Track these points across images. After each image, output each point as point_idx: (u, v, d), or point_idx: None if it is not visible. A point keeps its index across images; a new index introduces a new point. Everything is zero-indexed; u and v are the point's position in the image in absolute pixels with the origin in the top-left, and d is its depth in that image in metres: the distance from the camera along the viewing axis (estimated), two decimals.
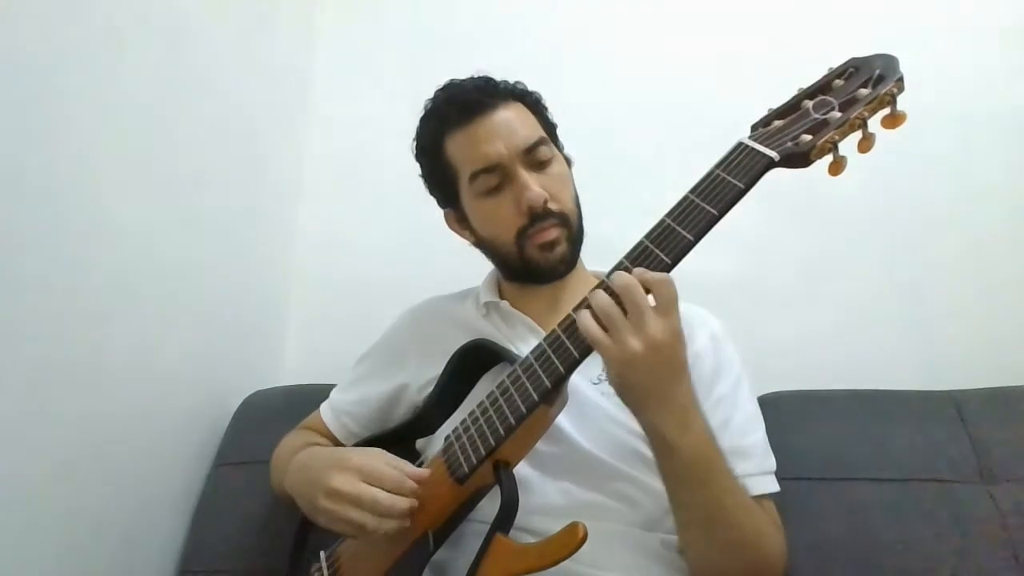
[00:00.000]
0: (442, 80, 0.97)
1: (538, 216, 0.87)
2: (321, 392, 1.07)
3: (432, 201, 1.01)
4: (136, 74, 1.01)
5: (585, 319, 0.65)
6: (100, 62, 0.94)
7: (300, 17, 1.55)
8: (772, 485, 0.84)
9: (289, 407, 1.13)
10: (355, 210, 1.49)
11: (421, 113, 0.97)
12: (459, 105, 0.91)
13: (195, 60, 1.16)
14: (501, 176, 0.88)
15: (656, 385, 0.65)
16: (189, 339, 1.15)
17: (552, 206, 0.88)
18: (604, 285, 0.67)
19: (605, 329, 0.64)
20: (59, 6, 0.88)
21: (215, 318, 1.22)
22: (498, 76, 0.95)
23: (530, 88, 0.97)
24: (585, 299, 0.68)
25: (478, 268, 1.01)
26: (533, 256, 0.89)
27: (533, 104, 0.96)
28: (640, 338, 0.62)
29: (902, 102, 0.63)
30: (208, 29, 1.20)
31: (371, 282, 1.42)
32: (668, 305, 0.64)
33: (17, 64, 0.82)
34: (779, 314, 1.32)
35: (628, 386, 0.66)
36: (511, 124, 0.89)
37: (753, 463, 0.83)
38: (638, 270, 0.66)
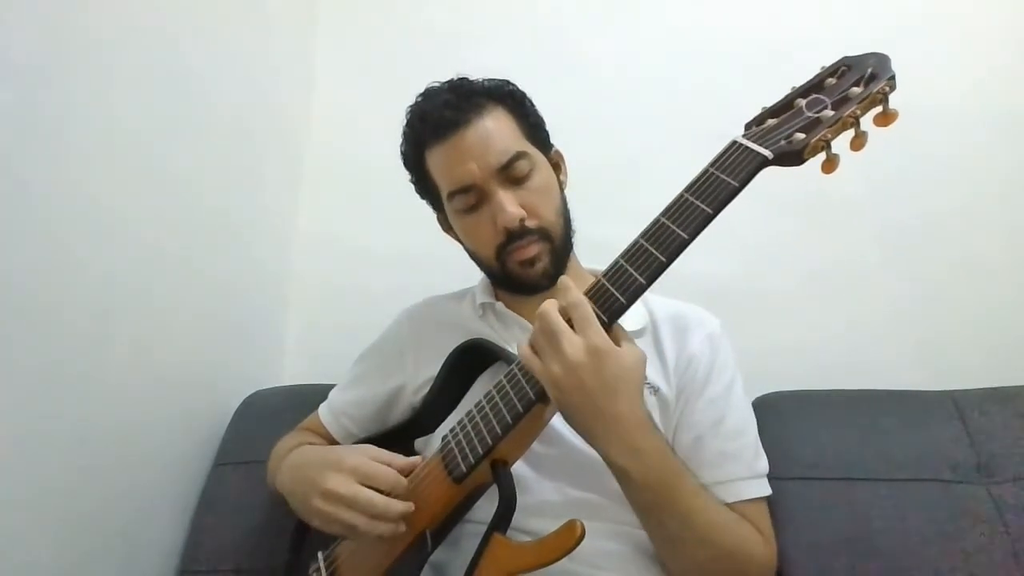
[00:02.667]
0: (442, 77, 0.95)
1: (515, 235, 0.86)
2: (321, 392, 1.07)
3: None
4: (135, 74, 1.02)
5: (522, 347, 0.68)
6: (99, 62, 0.95)
7: (300, 17, 1.56)
8: (761, 489, 0.83)
9: (289, 407, 1.13)
10: (354, 210, 1.50)
11: (403, 121, 0.95)
12: (431, 124, 0.89)
13: (194, 60, 1.16)
14: (477, 196, 0.87)
15: (590, 406, 0.65)
16: (189, 339, 1.15)
17: (530, 223, 0.87)
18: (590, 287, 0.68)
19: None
20: (59, 6, 0.89)
21: (215, 318, 1.22)
22: (498, 76, 0.94)
23: (525, 88, 0.95)
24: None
25: (476, 268, 1.01)
26: (514, 271, 0.89)
27: (514, 105, 0.92)
28: (558, 361, 0.64)
29: (894, 100, 0.63)
30: (207, 29, 1.21)
31: (370, 282, 1.42)
32: (583, 323, 0.65)
33: (17, 64, 0.82)
34: (780, 314, 1.32)
35: (567, 412, 0.66)
36: (485, 141, 0.86)
37: (742, 466, 0.83)
38: (561, 284, 0.68)
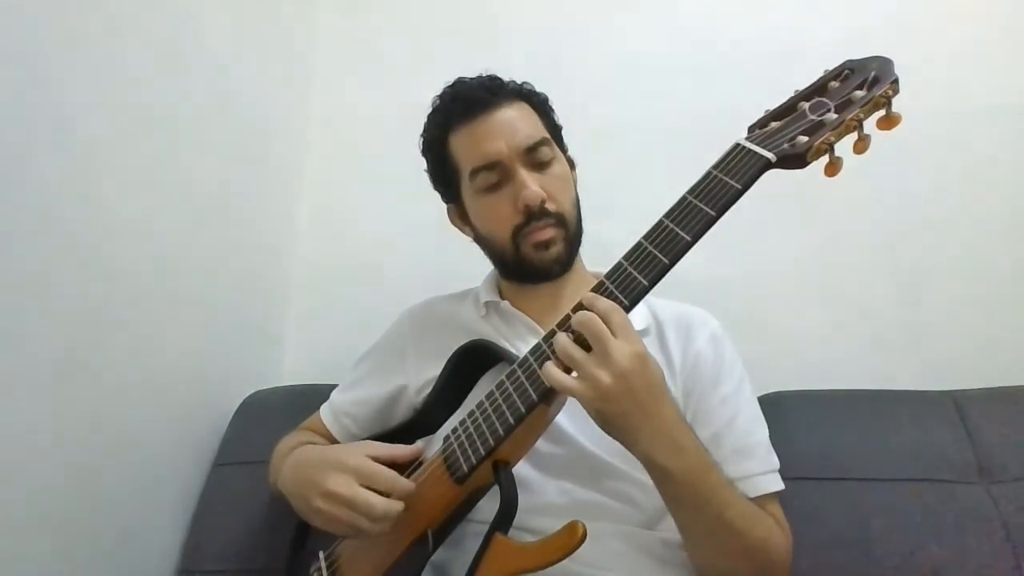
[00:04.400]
0: (441, 72, 0.98)
1: (534, 215, 0.88)
2: (321, 392, 1.07)
3: (434, 200, 1.02)
4: (137, 70, 1.02)
5: (549, 369, 0.66)
6: (101, 59, 0.95)
7: (302, 8, 1.56)
8: (776, 483, 0.84)
9: (289, 407, 1.13)
10: (356, 210, 1.49)
11: (429, 109, 0.98)
12: (464, 102, 0.92)
13: (196, 55, 1.16)
14: (501, 174, 0.89)
15: (638, 410, 0.65)
16: (189, 339, 1.15)
17: (549, 206, 0.89)
18: (571, 316, 0.67)
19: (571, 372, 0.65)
20: (62, 5, 0.89)
21: (215, 318, 1.22)
22: (495, 75, 0.95)
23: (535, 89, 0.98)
24: (576, 307, 0.68)
25: (478, 267, 1.01)
26: (528, 254, 0.90)
27: (539, 105, 0.97)
28: (607, 369, 0.63)
29: (897, 103, 0.63)
30: (209, 22, 1.20)
31: (371, 282, 1.42)
32: (623, 330, 0.64)
33: (19, 63, 0.82)
34: (779, 314, 1.32)
35: (610, 420, 0.65)
36: (514, 123, 0.90)
37: (757, 462, 0.83)
38: (587, 299, 0.67)
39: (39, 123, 0.86)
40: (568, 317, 0.69)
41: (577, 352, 0.65)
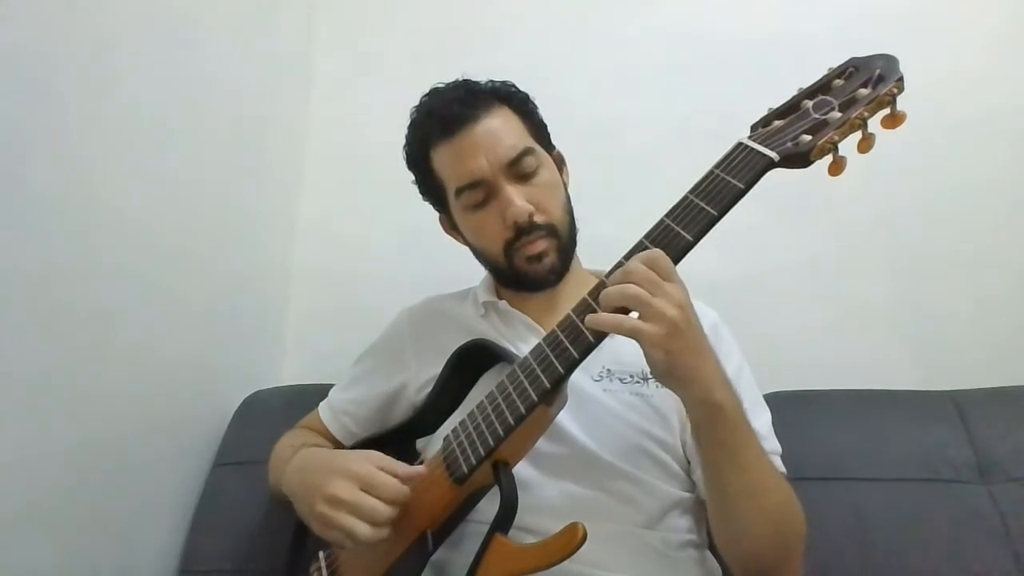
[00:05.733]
0: (440, 74, 0.96)
1: (524, 230, 0.87)
2: (321, 392, 1.07)
3: None
4: (136, 72, 1.01)
5: (602, 316, 0.64)
6: (100, 60, 0.94)
7: (301, 12, 1.55)
8: (780, 467, 0.83)
9: (289, 407, 1.13)
10: (356, 209, 1.49)
11: (409, 121, 0.96)
12: (440, 120, 0.90)
13: (196, 58, 1.15)
14: (486, 191, 0.88)
15: (700, 345, 0.65)
16: (189, 339, 1.15)
17: (538, 219, 0.87)
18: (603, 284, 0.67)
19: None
20: (59, 5, 0.88)
21: (215, 318, 1.22)
22: (497, 75, 0.95)
23: (524, 88, 0.96)
24: (585, 300, 0.68)
25: (476, 268, 1.01)
26: (522, 267, 0.89)
27: (520, 105, 0.94)
28: (670, 303, 0.62)
29: (902, 102, 0.63)
30: (209, 26, 1.20)
31: (372, 282, 1.42)
32: (672, 273, 0.65)
33: (20, 62, 0.82)
34: (779, 314, 1.32)
35: (677, 358, 0.63)
36: (494, 136, 0.88)
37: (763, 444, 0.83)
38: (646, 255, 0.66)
39: (39, 126, 0.85)
40: (568, 317, 0.69)
41: (643, 294, 0.63)
